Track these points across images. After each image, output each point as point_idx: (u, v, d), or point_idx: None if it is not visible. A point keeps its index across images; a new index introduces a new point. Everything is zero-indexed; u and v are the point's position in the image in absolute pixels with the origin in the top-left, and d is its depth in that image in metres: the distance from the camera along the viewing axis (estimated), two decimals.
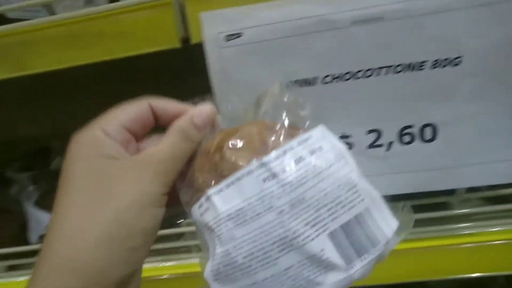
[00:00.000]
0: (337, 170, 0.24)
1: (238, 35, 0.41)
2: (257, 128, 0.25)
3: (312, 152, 0.23)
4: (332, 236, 0.22)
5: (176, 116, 0.28)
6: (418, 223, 0.56)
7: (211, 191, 0.23)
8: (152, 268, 0.59)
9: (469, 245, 0.55)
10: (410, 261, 0.56)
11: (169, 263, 0.60)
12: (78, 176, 0.25)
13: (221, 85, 0.43)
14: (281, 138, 0.24)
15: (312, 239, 0.22)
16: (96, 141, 0.26)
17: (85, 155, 0.25)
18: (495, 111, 0.43)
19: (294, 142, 0.23)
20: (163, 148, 0.26)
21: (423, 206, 0.55)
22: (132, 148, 0.27)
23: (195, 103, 0.29)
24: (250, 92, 0.43)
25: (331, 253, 0.22)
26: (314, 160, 0.23)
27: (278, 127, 0.25)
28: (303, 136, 0.24)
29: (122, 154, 0.26)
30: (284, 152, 0.23)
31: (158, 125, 0.29)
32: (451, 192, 0.53)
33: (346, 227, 0.23)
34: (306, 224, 0.22)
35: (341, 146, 0.25)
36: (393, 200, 0.55)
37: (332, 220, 0.22)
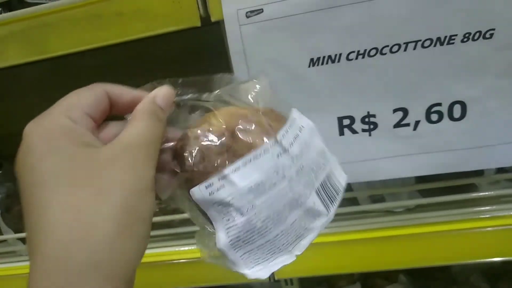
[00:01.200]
0: (315, 142, 0.29)
1: (258, 12, 0.40)
2: (253, 112, 0.28)
3: (300, 130, 0.28)
4: (318, 191, 0.28)
5: (132, 103, 0.27)
6: (444, 205, 0.54)
7: (227, 171, 0.25)
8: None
9: (495, 228, 0.54)
10: (434, 244, 0.55)
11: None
12: (61, 170, 0.22)
13: (241, 63, 0.42)
14: (276, 120, 0.28)
15: (308, 197, 0.27)
16: (68, 131, 0.24)
17: (60, 146, 0.23)
18: None
19: (289, 123, 0.28)
20: (142, 131, 0.25)
21: (449, 188, 0.53)
22: (95, 136, 0.25)
23: (151, 88, 0.28)
24: (271, 70, 0.42)
25: (319, 205, 0.28)
26: (303, 136, 0.28)
27: (268, 110, 0.28)
28: (291, 118, 0.28)
29: (97, 142, 0.25)
30: (286, 131, 0.27)
31: (112, 113, 0.28)
32: (479, 173, 0.51)
33: (323, 184, 0.29)
34: (305, 186, 0.27)
35: (311, 122, 0.30)
36: (419, 181, 0.54)
37: (316, 180, 0.28)
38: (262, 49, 0.42)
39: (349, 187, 0.57)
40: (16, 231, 0.64)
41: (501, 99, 0.42)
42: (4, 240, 0.67)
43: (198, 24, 0.42)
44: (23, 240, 0.65)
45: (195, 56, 0.74)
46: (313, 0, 0.39)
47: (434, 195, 0.55)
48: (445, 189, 0.54)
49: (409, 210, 0.57)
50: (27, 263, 0.62)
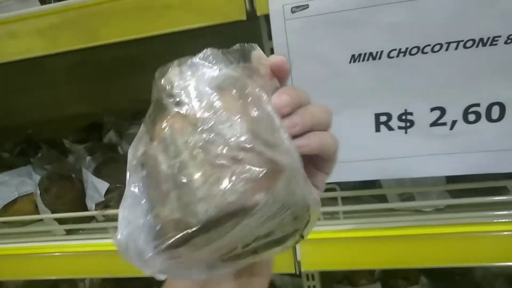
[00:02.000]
0: None
1: (304, 7, 0.41)
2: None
3: None
4: None
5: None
6: (474, 207, 0.54)
7: None
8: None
9: None
10: (461, 245, 0.55)
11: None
12: None
13: (291, 59, 0.44)
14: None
15: None
16: None
17: None
18: None
19: None
20: None
21: (479, 190, 0.53)
22: None
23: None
24: (313, 65, 0.43)
25: None
26: None
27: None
28: None
29: None
30: None
31: None
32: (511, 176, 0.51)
33: None
34: None
35: None
36: (449, 181, 0.54)
37: None
38: (306, 44, 0.43)
39: (378, 184, 0.58)
40: (53, 212, 0.67)
41: None
42: (41, 220, 0.70)
43: (244, 17, 0.43)
44: (59, 220, 0.68)
45: None
46: None
47: (463, 196, 0.55)
48: (475, 190, 0.54)
49: (438, 210, 0.57)
50: (61, 242, 0.65)
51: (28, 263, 0.68)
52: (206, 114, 0.22)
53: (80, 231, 0.69)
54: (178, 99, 0.24)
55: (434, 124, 0.45)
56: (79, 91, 0.99)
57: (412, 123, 0.45)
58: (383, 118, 0.45)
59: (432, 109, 0.44)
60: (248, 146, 0.21)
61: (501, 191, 0.55)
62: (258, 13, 0.43)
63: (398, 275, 0.86)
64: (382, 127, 0.46)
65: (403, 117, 0.45)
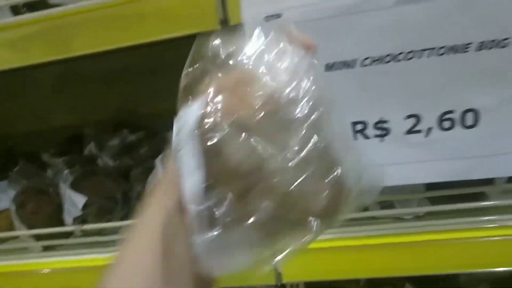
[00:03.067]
0: None
1: (277, 16, 0.41)
2: None
3: None
4: None
5: None
6: (453, 213, 0.54)
7: None
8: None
9: (504, 237, 0.54)
10: (442, 252, 0.55)
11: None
12: None
13: None
14: None
15: None
16: None
17: None
18: None
19: None
20: None
21: (459, 196, 0.53)
22: None
23: None
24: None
25: None
26: None
27: None
28: None
29: None
30: None
31: None
32: (489, 182, 0.52)
33: None
34: None
35: None
36: (429, 189, 0.54)
37: None
38: None
39: None
40: (29, 227, 0.65)
41: None
42: (17, 237, 0.68)
43: (218, 27, 0.43)
44: (35, 236, 0.66)
45: None
46: (330, 7, 0.40)
47: (443, 203, 0.55)
48: (454, 197, 0.54)
49: (418, 217, 0.57)
50: (38, 259, 0.63)
51: (4, 281, 0.66)
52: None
53: (58, 247, 0.68)
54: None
55: (410, 131, 0.45)
56: (61, 102, 0.98)
57: (388, 131, 0.45)
58: (359, 127, 0.45)
59: (407, 117, 0.44)
60: None
61: (480, 197, 0.55)
62: (232, 23, 0.42)
63: (383, 282, 0.86)
64: (359, 135, 0.45)
65: (379, 125, 0.45)
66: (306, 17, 0.41)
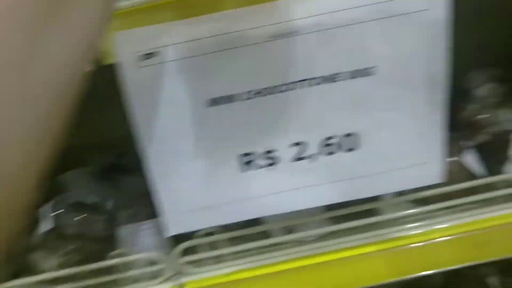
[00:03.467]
0: None
1: (155, 54, 0.40)
2: None
3: None
4: None
5: None
6: (347, 232, 0.57)
7: None
8: None
9: (400, 248, 0.57)
10: (344, 270, 0.57)
11: None
12: None
13: (138, 106, 0.42)
14: None
15: None
16: None
17: None
18: (412, 117, 0.46)
19: None
20: None
21: (352, 215, 0.56)
22: None
23: None
24: (170, 112, 0.42)
25: None
26: None
27: None
28: None
29: None
30: None
31: None
32: (377, 198, 0.54)
33: None
34: None
35: None
36: (320, 211, 0.56)
37: None
38: (160, 91, 0.42)
39: (259, 221, 0.57)
40: None
41: (388, 130, 0.45)
42: None
43: (91, 67, 0.41)
44: None
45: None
46: (206, 43, 0.40)
47: (346, 221, 0.57)
48: (356, 214, 0.57)
49: (321, 238, 0.58)
50: None
51: None
52: None
53: None
54: None
55: (296, 159, 0.46)
56: None
57: (275, 160, 0.46)
58: (247, 158, 0.45)
59: (293, 145, 0.45)
60: None
61: (377, 212, 0.58)
62: (105, 63, 0.41)
63: None
64: (247, 167, 0.46)
65: (266, 155, 0.45)
66: (184, 54, 0.40)
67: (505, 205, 0.56)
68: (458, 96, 0.63)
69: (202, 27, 0.40)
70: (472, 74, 0.62)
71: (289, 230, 0.59)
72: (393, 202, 0.58)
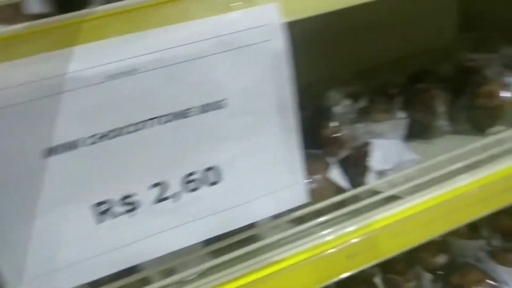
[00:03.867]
0: None
1: None
2: None
3: None
4: None
5: None
6: (229, 263, 0.55)
7: None
8: None
9: (286, 269, 0.57)
10: None
11: None
12: None
13: None
14: None
15: None
16: None
17: None
18: (269, 144, 0.46)
19: None
20: None
21: (232, 245, 0.55)
22: None
23: None
24: (4, 166, 0.37)
25: None
26: None
27: None
28: None
29: None
30: None
31: None
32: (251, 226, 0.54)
33: None
34: None
35: None
36: (195, 248, 0.54)
37: None
38: None
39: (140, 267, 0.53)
40: None
41: (247, 159, 0.45)
42: None
43: None
44: None
45: None
46: (36, 87, 0.36)
47: (226, 253, 0.56)
48: (236, 244, 0.55)
49: (202, 274, 0.56)
50: None
51: None
52: None
53: None
54: None
55: (159, 200, 0.43)
56: None
57: (135, 204, 0.43)
58: (102, 208, 0.41)
59: (152, 186, 0.43)
60: None
61: (256, 239, 0.58)
62: None
63: None
64: (104, 217, 0.42)
65: (125, 200, 0.42)
66: (9, 102, 0.35)
67: (369, 214, 0.60)
68: (319, 115, 0.67)
69: (30, 69, 0.36)
70: (329, 93, 0.66)
71: (168, 273, 0.56)
72: (271, 226, 0.58)
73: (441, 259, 0.96)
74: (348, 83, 0.76)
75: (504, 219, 0.97)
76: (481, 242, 0.94)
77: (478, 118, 0.75)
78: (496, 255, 0.89)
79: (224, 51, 0.40)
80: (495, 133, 0.66)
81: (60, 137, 0.38)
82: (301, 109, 0.74)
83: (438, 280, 0.91)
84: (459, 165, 0.64)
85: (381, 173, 0.60)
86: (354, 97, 0.71)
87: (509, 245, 0.92)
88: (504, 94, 0.72)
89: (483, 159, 0.67)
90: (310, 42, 0.83)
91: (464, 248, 0.95)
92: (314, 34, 0.82)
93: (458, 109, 0.77)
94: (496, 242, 0.95)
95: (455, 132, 0.78)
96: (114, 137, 0.39)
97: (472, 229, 0.99)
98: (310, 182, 0.60)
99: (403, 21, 1.03)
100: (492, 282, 0.83)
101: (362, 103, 0.72)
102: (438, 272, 0.92)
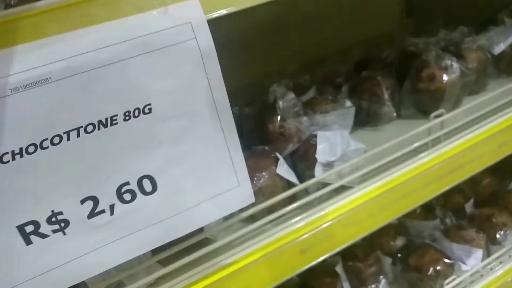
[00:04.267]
0: None
1: None
2: None
3: None
4: None
5: None
6: (182, 269, 0.53)
7: None
8: None
9: (242, 269, 0.56)
10: None
11: None
12: None
13: None
14: None
15: None
16: None
17: None
18: (205, 146, 0.44)
19: None
20: None
21: (182, 252, 0.53)
22: None
23: None
24: None
25: None
26: None
27: None
28: None
29: None
30: None
31: None
32: (200, 230, 0.53)
33: None
34: None
35: None
36: (143, 258, 0.52)
37: None
38: None
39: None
40: None
41: (183, 164, 0.43)
42: None
43: None
44: None
45: None
46: None
47: (177, 259, 0.54)
48: (187, 249, 0.53)
49: (152, 285, 0.54)
50: None
51: None
52: None
53: None
54: None
55: (92, 215, 0.41)
56: None
57: (66, 222, 0.40)
58: (29, 228, 0.38)
59: (83, 201, 0.40)
60: None
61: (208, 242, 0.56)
62: None
63: None
64: (33, 237, 0.39)
65: (53, 219, 0.39)
66: None
67: (320, 207, 0.59)
68: (265, 110, 0.65)
69: None
70: (273, 87, 0.65)
71: (117, 286, 0.54)
72: (222, 227, 0.57)
73: (399, 241, 0.98)
74: (295, 76, 0.76)
75: (454, 197, 1.01)
76: (436, 222, 0.97)
77: (422, 102, 0.76)
78: (449, 233, 0.91)
79: (143, 53, 0.38)
80: (438, 116, 0.67)
81: None
82: (248, 106, 0.73)
83: (397, 262, 0.92)
84: (404, 151, 0.65)
85: (328, 165, 0.60)
86: (301, 89, 0.71)
87: (461, 223, 0.94)
88: (445, 77, 0.73)
89: (428, 142, 0.68)
90: (253, 37, 0.82)
91: (420, 229, 0.97)
92: (257, 28, 0.81)
93: (403, 94, 0.78)
94: (449, 221, 0.98)
95: (401, 117, 0.79)
96: (31, 153, 0.36)
97: (428, 210, 1.02)
98: (259, 179, 0.59)
99: (348, 10, 1.04)
100: (448, 261, 0.85)
101: (309, 95, 0.71)
102: (398, 255, 0.94)
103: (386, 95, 0.77)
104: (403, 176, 0.64)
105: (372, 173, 0.64)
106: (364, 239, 0.84)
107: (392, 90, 0.79)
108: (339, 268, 0.90)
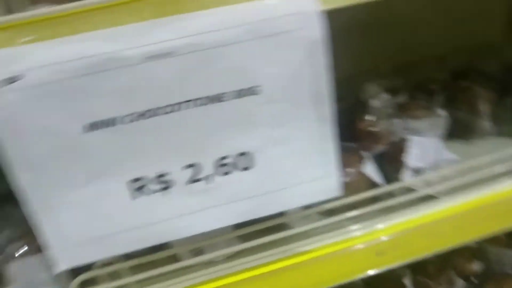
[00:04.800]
0: None
1: (18, 78, 0.37)
2: None
3: None
4: None
5: None
6: (257, 249, 0.56)
7: None
8: None
9: (313, 260, 0.57)
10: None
11: None
12: None
13: (10, 136, 0.38)
14: None
15: None
16: None
17: None
18: (303, 133, 0.46)
19: None
20: None
21: (261, 231, 0.55)
22: None
23: None
24: (44, 140, 0.38)
25: None
26: None
27: None
28: None
29: None
30: None
31: None
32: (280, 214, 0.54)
33: None
34: None
35: None
36: (227, 230, 0.55)
37: None
38: (29, 118, 0.38)
39: (164, 246, 0.55)
40: None
41: (280, 147, 0.45)
42: None
43: None
44: None
45: None
46: (76, 65, 0.37)
47: (254, 239, 0.56)
48: (265, 231, 0.56)
49: (229, 258, 0.57)
50: None
51: None
52: None
53: None
54: None
55: (191, 181, 0.44)
56: None
57: (169, 183, 0.44)
58: (137, 184, 0.43)
59: (186, 167, 0.44)
60: None
61: (285, 227, 0.58)
62: None
63: None
64: (138, 193, 0.43)
65: (158, 179, 0.43)
66: (52, 78, 0.37)
67: (402, 212, 0.58)
68: (356, 108, 0.65)
69: (71, 47, 0.37)
70: (367, 86, 0.64)
71: (197, 252, 0.57)
72: (301, 216, 0.58)
73: (476, 266, 0.93)
74: (388, 77, 0.74)
75: None
76: None
77: None
78: None
79: (257, 38, 0.40)
80: None
81: (100, 114, 0.39)
82: (339, 101, 0.73)
83: (471, 287, 0.87)
84: (500, 168, 0.61)
85: (417, 171, 0.59)
86: (394, 91, 0.69)
87: None
88: None
89: None
90: (351, 33, 0.82)
91: (501, 256, 0.91)
92: (355, 24, 0.80)
93: (503, 110, 0.74)
94: None
95: (499, 133, 0.75)
96: (151, 116, 0.40)
97: (511, 237, 0.95)
98: (344, 175, 0.59)
99: (449, 15, 0.99)
100: None
101: (401, 98, 0.70)
102: (472, 279, 0.89)
103: (485, 109, 0.73)
104: (495, 196, 0.61)
105: (462, 187, 0.61)
106: (438, 257, 0.81)
107: (491, 104, 0.74)
108: (406, 281, 0.88)
